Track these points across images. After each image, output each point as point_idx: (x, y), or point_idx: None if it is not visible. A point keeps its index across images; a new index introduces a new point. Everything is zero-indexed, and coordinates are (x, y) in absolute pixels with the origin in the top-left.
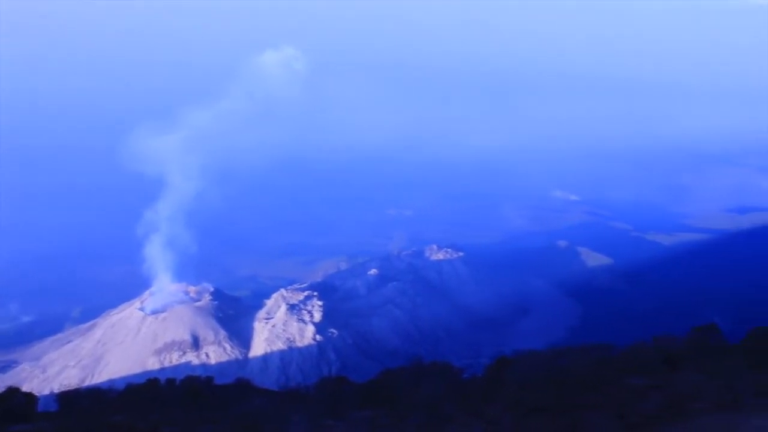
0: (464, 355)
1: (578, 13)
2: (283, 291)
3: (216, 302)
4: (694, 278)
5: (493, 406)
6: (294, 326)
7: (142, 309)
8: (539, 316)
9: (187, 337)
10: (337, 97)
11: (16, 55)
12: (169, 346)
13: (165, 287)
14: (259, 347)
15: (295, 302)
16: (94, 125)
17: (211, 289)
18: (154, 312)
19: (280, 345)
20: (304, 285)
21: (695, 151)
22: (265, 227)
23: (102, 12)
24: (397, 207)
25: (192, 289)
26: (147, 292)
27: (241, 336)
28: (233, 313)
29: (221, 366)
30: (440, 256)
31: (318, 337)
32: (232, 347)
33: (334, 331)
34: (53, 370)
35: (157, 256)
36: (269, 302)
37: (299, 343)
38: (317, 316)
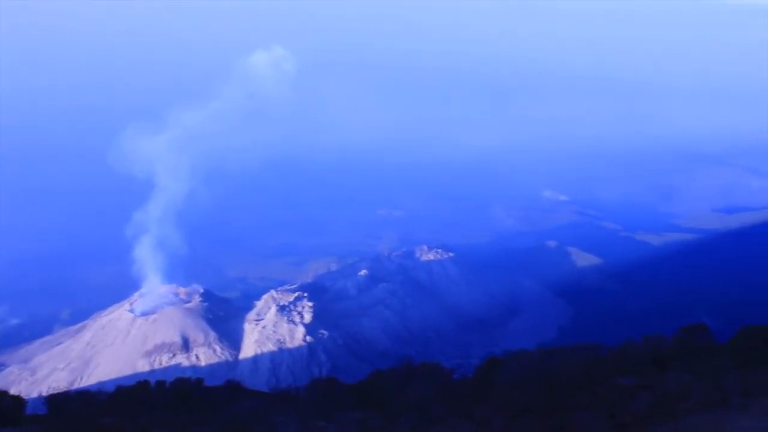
0: (454, 355)
1: (566, 14)
2: (273, 292)
3: (206, 304)
4: (682, 278)
5: (483, 406)
6: (284, 327)
7: (131, 311)
8: (529, 317)
9: (177, 339)
10: (328, 98)
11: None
12: (159, 348)
13: (155, 289)
14: (249, 349)
15: (286, 303)
16: (82, 125)
17: (201, 291)
18: (144, 314)
19: (270, 346)
20: (295, 286)
21: (684, 151)
22: (255, 228)
23: (92, 12)
24: (387, 207)
25: (182, 290)
26: (137, 294)
27: (231, 337)
28: (223, 315)
29: (211, 368)
30: (430, 256)
31: (308, 338)
32: (222, 349)
33: (325, 332)
34: (42, 373)
35: (147, 257)
36: (259, 303)
37: (289, 345)
38: (307, 317)
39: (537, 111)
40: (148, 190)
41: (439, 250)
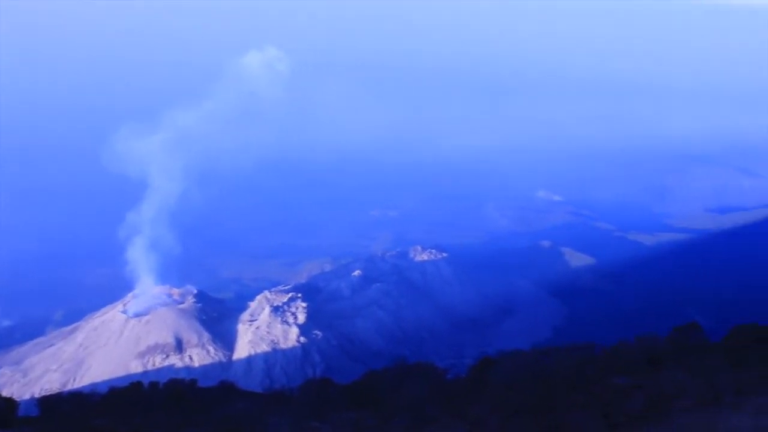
0: (448, 355)
1: (561, 14)
2: (266, 293)
3: (199, 304)
4: (676, 278)
5: (477, 406)
6: (278, 328)
7: (124, 312)
8: (523, 317)
9: (171, 340)
10: (322, 98)
11: None
12: (152, 349)
13: (148, 290)
14: (243, 349)
15: (279, 304)
16: (74, 125)
17: (195, 292)
18: (137, 315)
19: (264, 347)
20: (288, 287)
21: (677, 151)
22: (249, 228)
23: (86, 13)
24: (381, 208)
25: (175, 291)
26: (130, 295)
27: (225, 338)
28: (217, 316)
29: (205, 369)
30: (424, 257)
31: (302, 338)
32: (215, 350)
33: (318, 332)
34: (34, 375)
35: (140, 258)
36: (253, 304)
37: (283, 345)
38: (301, 317)
39: (531, 111)
40: (141, 191)
41: (433, 251)
